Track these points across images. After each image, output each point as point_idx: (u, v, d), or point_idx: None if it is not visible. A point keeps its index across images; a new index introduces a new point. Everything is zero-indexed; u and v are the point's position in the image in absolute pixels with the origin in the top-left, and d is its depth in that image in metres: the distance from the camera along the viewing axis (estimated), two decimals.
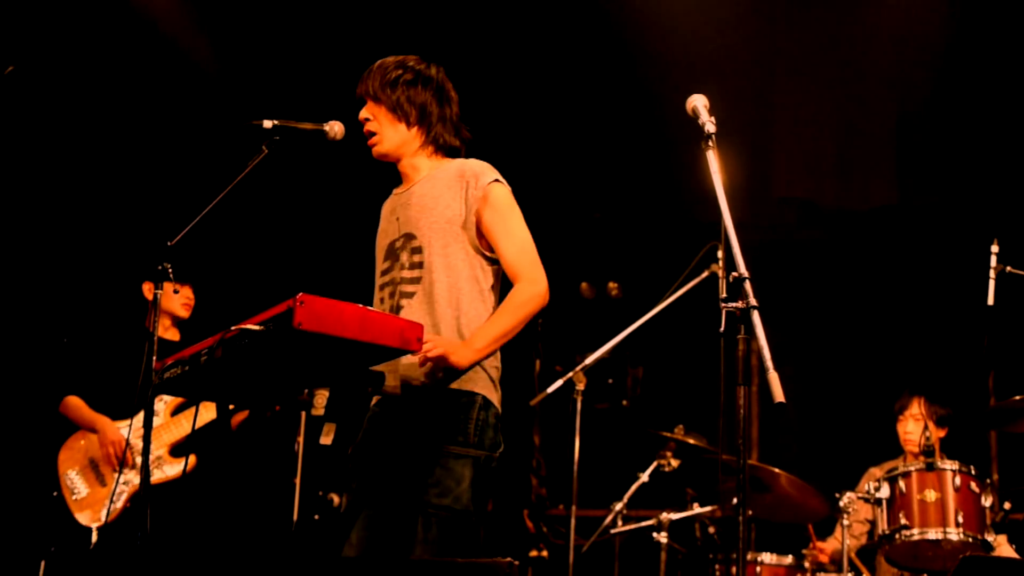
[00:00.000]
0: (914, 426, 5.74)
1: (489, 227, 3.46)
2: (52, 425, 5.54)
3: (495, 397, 3.44)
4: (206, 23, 6.89)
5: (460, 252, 3.47)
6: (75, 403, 5.49)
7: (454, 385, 3.35)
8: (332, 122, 3.61)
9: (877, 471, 5.87)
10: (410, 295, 3.44)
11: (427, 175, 3.59)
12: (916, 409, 5.80)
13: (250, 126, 3.60)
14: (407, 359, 3.29)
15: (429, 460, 3.32)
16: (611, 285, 6.76)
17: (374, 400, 3.53)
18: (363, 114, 3.60)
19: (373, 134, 3.59)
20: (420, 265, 3.45)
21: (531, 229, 3.47)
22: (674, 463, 5.80)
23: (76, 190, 6.74)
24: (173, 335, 5.68)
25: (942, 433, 5.83)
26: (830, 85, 7.36)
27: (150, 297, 5.68)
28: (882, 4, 7.24)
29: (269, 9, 6.93)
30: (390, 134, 3.58)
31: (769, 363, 2.63)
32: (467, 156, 3.65)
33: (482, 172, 3.51)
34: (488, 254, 3.49)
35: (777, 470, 5.39)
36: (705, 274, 5.44)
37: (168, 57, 6.88)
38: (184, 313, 5.67)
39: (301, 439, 5.27)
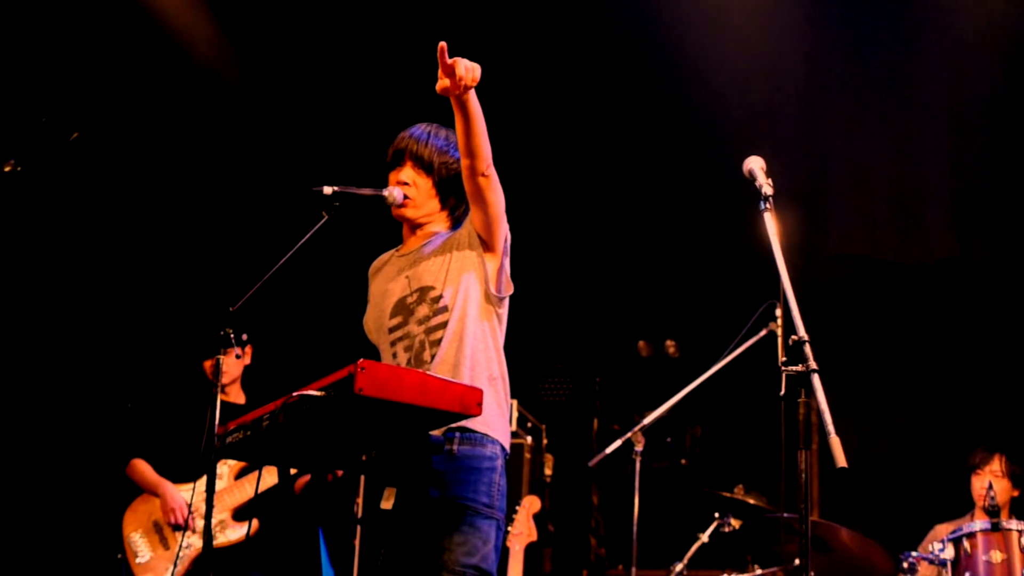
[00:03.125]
0: (992, 481, 5.67)
1: (473, 209, 3.49)
2: (118, 487, 5.61)
3: (508, 442, 3.48)
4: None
5: (477, 297, 3.49)
6: (141, 466, 5.56)
7: (470, 424, 3.33)
8: (391, 187, 3.61)
9: (943, 528, 5.78)
10: (437, 342, 3.45)
11: (435, 239, 3.64)
12: (997, 465, 5.72)
13: (310, 192, 3.62)
14: None
15: (456, 518, 3.31)
16: (669, 343, 6.74)
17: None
18: (403, 177, 3.61)
19: (408, 198, 3.60)
20: (445, 310, 3.46)
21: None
22: (734, 523, 5.75)
23: (142, 257, 6.85)
24: (238, 398, 5.73)
25: (1016, 492, 5.75)
26: (885, 136, 7.33)
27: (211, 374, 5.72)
28: (937, 51, 7.21)
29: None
30: (424, 204, 3.62)
31: (830, 427, 2.62)
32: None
33: None
34: (497, 294, 3.52)
35: (842, 530, 5.31)
36: (763, 332, 5.43)
37: (227, 127, 7.01)
38: (225, 377, 5.60)
39: (360, 501, 5.28)
